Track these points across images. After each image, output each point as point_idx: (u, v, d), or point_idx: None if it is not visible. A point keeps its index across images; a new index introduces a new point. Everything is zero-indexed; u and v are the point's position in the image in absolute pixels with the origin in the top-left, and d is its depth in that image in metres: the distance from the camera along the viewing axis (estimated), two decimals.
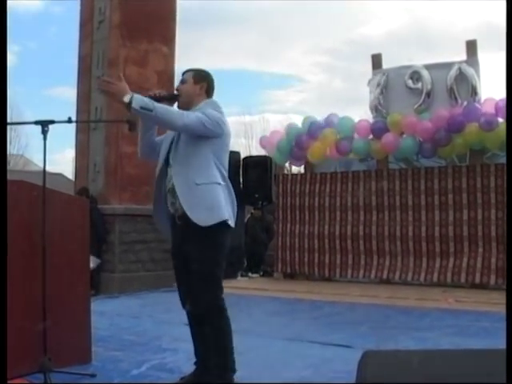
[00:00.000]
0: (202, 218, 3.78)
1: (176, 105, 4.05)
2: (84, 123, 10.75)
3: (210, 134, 3.86)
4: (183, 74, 4.18)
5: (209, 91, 4.13)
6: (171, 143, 4.00)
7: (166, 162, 4.00)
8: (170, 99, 4.03)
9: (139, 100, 3.63)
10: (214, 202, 3.85)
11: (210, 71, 4.21)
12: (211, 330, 3.86)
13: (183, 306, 4.06)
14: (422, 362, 2.29)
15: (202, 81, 4.10)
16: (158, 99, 3.91)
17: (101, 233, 9.71)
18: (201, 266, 3.83)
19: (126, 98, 3.61)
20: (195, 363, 4.12)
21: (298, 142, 10.40)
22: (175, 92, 4.14)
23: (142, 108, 3.61)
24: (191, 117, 3.79)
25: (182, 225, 3.89)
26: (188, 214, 3.77)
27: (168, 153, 4.00)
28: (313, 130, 10.26)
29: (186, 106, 4.01)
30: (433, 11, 40.40)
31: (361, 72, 34.70)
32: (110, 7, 10.36)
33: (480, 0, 32.39)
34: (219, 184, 3.91)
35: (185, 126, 3.78)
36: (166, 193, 3.97)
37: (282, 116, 36.13)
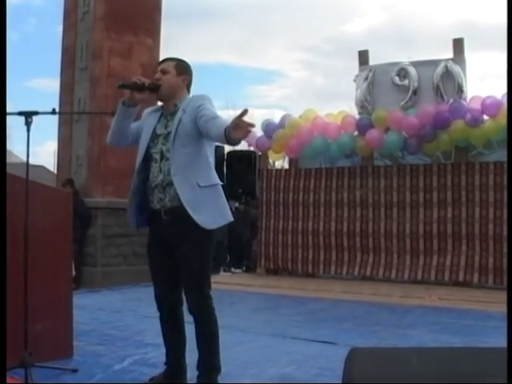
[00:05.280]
0: (207, 221, 3.70)
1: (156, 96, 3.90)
2: (67, 115, 10.65)
3: None
4: (161, 62, 3.98)
5: (189, 85, 3.97)
6: (152, 136, 3.87)
7: (146, 155, 3.87)
8: (153, 89, 3.85)
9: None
10: (219, 205, 3.81)
11: (192, 64, 4.03)
12: (201, 330, 3.77)
13: (162, 303, 3.94)
14: (411, 359, 2.27)
15: (185, 73, 3.93)
16: (141, 88, 3.79)
17: (85, 226, 9.66)
18: (196, 264, 3.75)
19: None
20: (166, 363, 4.00)
21: None
22: (157, 82, 3.89)
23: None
24: None
25: (169, 220, 3.78)
26: (192, 216, 3.65)
27: (148, 146, 3.87)
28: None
29: (166, 98, 3.89)
30: (413, 10, 40.68)
31: (341, 69, 34.90)
32: None
33: None
34: (220, 184, 3.86)
35: None
36: (153, 188, 3.83)
37: (265, 110, 36.12)
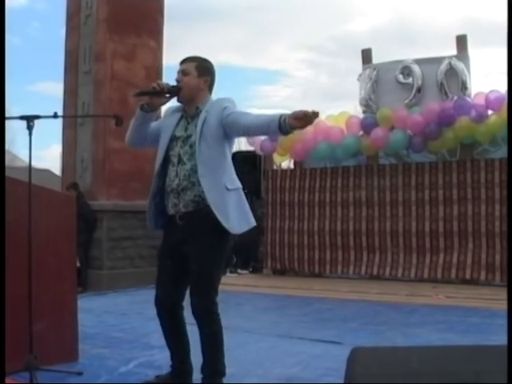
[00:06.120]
0: (233, 225, 3.67)
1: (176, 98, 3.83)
2: (71, 118, 10.66)
3: None
4: (182, 62, 3.85)
5: (211, 86, 3.89)
6: (171, 138, 3.81)
7: (165, 158, 3.82)
8: (173, 93, 3.79)
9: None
10: (245, 209, 3.79)
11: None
12: (204, 336, 3.73)
13: (162, 305, 3.91)
14: (412, 359, 2.26)
15: (206, 74, 3.83)
16: (161, 93, 3.75)
17: (91, 229, 9.68)
18: (206, 267, 3.71)
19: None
20: (171, 366, 3.97)
21: None
22: (177, 84, 3.81)
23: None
24: None
25: (184, 224, 3.74)
26: (220, 220, 3.60)
27: (168, 148, 3.80)
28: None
29: (186, 100, 3.81)
30: (416, 8, 40.75)
31: (345, 68, 34.94)
32: (96, 1, 10.27)
33: None
34: (242, 188, 3.85)
35: None
36: (168, 192, 3.78)
37: (270, 111, 36.11)
